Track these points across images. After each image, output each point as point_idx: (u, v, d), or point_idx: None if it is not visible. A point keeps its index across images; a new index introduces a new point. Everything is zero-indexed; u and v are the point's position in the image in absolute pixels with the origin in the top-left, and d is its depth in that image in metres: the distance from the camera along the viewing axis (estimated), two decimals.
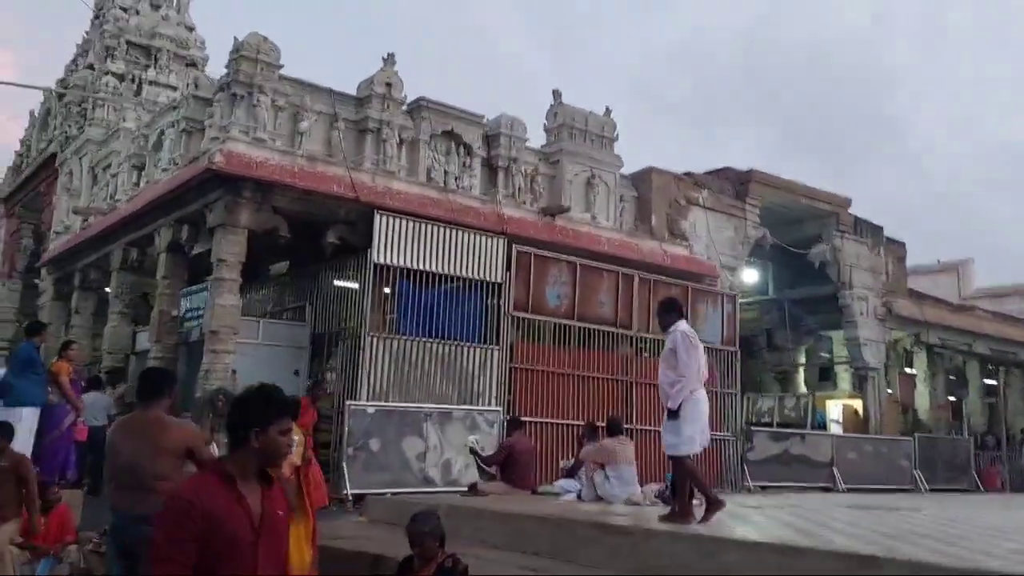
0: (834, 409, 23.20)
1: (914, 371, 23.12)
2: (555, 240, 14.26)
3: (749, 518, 8.36)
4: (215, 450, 6.40)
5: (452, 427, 11.24)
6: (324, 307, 12.87)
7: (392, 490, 10.00)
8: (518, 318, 12.38)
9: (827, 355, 24.83)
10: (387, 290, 11.74)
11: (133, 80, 19.35)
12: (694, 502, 9.10)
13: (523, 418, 11.51)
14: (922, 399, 22.96)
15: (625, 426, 10.82)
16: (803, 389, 24.18)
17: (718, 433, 14.03)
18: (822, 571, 5.27)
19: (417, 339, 11.57)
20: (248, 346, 12.32)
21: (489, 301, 12.21)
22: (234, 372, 11.68)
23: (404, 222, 11.80)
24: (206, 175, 11.86)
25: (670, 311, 7.44)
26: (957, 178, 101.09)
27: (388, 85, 13.39)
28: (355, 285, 12.08)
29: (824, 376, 24.97)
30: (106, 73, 19.17)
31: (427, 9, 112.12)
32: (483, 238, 12.48)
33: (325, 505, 8.45)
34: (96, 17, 21.71)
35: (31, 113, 23.99)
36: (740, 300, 16.05)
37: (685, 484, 7.08)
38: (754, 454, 14.87)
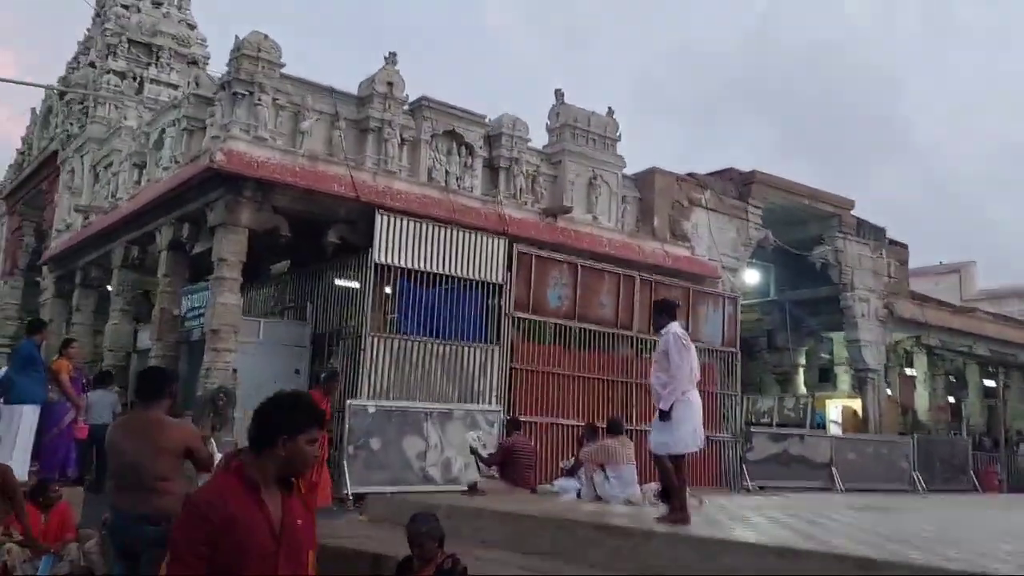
0: (833, 410, 23.24)
1: (914, 372, 23.13)
2: (557, 241, 14.26)
3: (748, 519, 8.36)
4: (214, 449, 6.40)
5: (452, 426, 11.26)
6: (325, 306, 12.88)
7: (392, 489, 10.01)
8: (519, 318, 12.38)
9: (827, 356, 24.86)
10: (388, 290, 11.75)
11: (135, 78, 19.35)
12: (694, 502, 9.12)
13: (523, 418, 11.53)
14: (922, 400, 22.98)
15: (625, 427, 10.83)
16: (803, 390, 24.19)
17: (718, 433, 14.07)
18: (823, 572, 5.29)
19: (418, 339, 11.57)
20: (249, 345, 12.32)
21: (490, 301, 12.21)
22: (235, 371, 11.70)
23: (405, 222, 11.80)
24: (207, 174, 11.87)
25: (662, 312, 7.46)
26: (960, 179, 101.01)
27: (390, 84, 13.40)
28: (356, 285, 12.08)
29: (824, 377, 25.00)
30: (107, 71, 19.18)
31: (429, 9, 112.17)
32: (484, 238, 12.48)
33: (327, 505, 8.49)
34: (98, 15, 21.73)
35: (33, 111, 24.02)
36: (741, 301, 16.05)
37: (672, 480, 7.08)
38: (753, 454, 14.89)
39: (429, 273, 11.85)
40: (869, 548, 5.86)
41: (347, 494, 9.94)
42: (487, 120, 14.72)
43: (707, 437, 13.47)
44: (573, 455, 11.13)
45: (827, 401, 23.69)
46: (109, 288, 16.49)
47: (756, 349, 23.53)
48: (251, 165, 11.77)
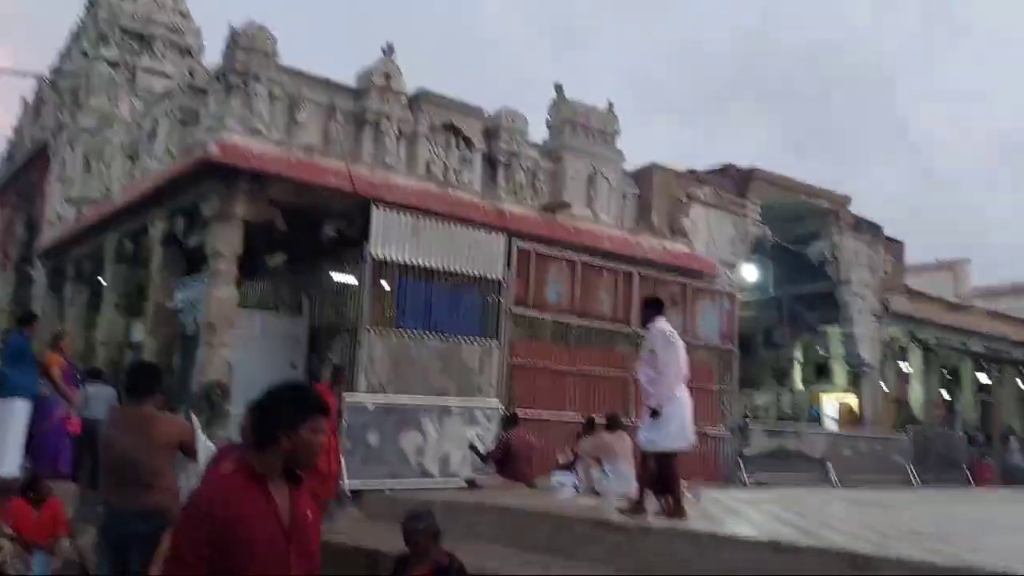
0: (829, 405, 23.28)
1: (909, 368, 23.17)
2: (556, 237, 14.20)
3: (745, 514, 8.37)
4: (208, 443, 6.34)
5: (451, 422, 11.19)
6: (322, 301, 12.80)
7: (390, 484, 9.95)
8: (518, 314, 12.32)
9: (823, 351, 24.89)
10: (385, 285, 11.67)
11: (127, 68, 19.14)
12: (691, 497, 9.10)
13: (522, 414, 11.48)
14: (916, 395, 23.05)
15: (624, 422, 10.80)
16: (799, 385, 24.23)
17: (715, 429, 14.05)
18: (818, 569, 5.29)
19: (416, 334, 11.50)
20: (245, 339, 12.23)
21: (489, 297, 12.14)
22: (230, 365, 11.62)
23: (402, 216, 11.70)
24: (201, 166, 11.76)
25: (650, 308, 7.45)
26: (957, 177, 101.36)
27: (387, 76, 13.30)
28: (353, 279, 12.00)
29: (820, 372, 25.04)
30: (99, 60, 18.97)
31: (427, 1, 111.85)
32: (483, 234, 12.39)
33: (334, 499, 8.46)
34: (90, 3, 21.51)
35: (23, 101, 23.81)
36: (740, 298, 16.02)
37: (645, 479, 7.06)
38: (750, 449, 14.87)
39: (427, 268, 11.75)
40: (864, 543, 5.86)
41: (344, 489, 9.88)
42: (486, 114, 14.63)
43: (705, 432, 13.71)
44: (571, 450, 11.10)
45: (823, 396, 23.73)
46: (102, 281, 16.36)
47: (753, 344, 23.53)
48: (246, 157, 11.67)
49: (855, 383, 21.37)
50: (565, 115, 15.46)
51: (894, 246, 21.79)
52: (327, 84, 13.18)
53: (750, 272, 19.99)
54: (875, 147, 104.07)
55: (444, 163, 13.97)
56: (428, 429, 10.88)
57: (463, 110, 14.26)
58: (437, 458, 10.90)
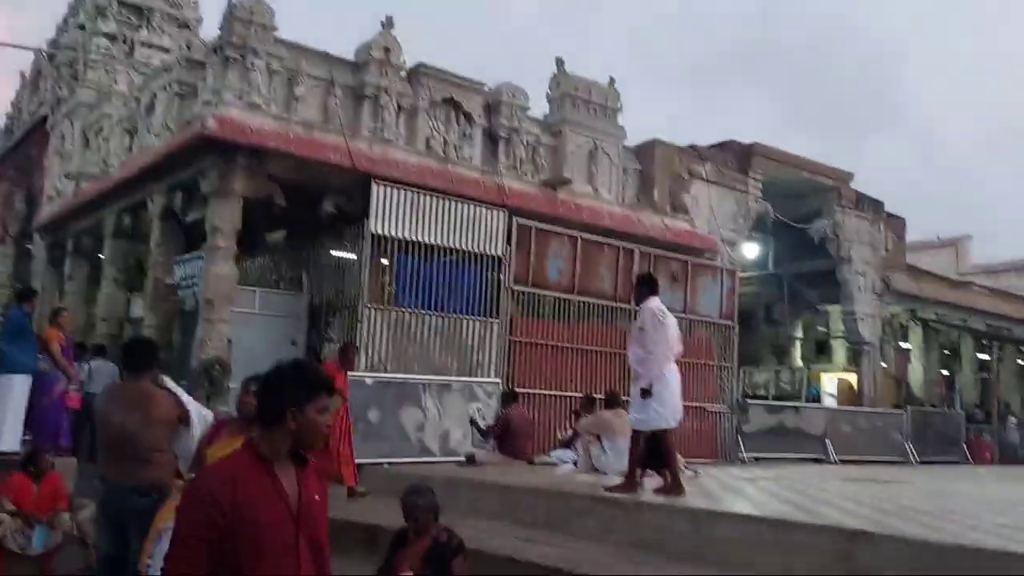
0: (829, 382, 23.34)
1: (909, 346, 23.19)
2: (556, 213, 14.15)
3: (743, 490, 8.40)
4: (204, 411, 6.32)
5: (451, 398, 11.20)
6: (321, 277, 12.79)
7: (390, 460, 9.98)
8: (518, 291, 12.30)
9: (824, 329, 24.91)
10: (385, 261, 11.64)
11: (125, 41, 19.02)
12: (689, 473, 9.13)
13: (522, 390, 11.50)
14: (916, 373, 23.08)
15: (623, 399, 10.80)
16: (799, 363, 24.27)
17: (714, 406, 14.08)
18: (815, 545, 5.30)
19: (416, 311, 11.48)
20: (244, 315, 12.23)
21: (489, 274, 12.11)
22: (230, 341, 11.63)
23: (402, 192, 11.65)
24: (199, 141, 11.69)
25: (643, 286, 7.43)
26: (958, 153, 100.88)
27: (386, 50, 13.19)
28: (352, 256, 11.96)
29: (820, 350, 25.09)
30: (97, 34, 18.82)
31: None
32: (483, 210, 12.34)
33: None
34: None
35: (21, 75, 23.66)
36: (740, 274, 15.99)
37: (637, 456, 7.09)
38: (749, 426, 14.91)
39: (427, 245, 11.71)
40: (862, 520, 5.88)
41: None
42: (486, 88, 14.52)
43: (704, 409, 13.74)
44: (570, 426, 11.13)
45: (823, 374, 23.78)
46: (101, 256, 16.34)
47: (754, 322, 23.54)
48: (244, 132, 11.59)
49: (855, 361, 21.40)
50: (566, 89, 15.34)
51: (895, 223, 21.72)
52: (326, 58, 13.07)
53: (751, 249, 19.96)
54: (878, 123, 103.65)
55: (444, 138, 13.89)
56: (428, 406, 10.90)
57: (463, 84, 14.16)
58: (437, 435, 10.93)
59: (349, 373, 9.85)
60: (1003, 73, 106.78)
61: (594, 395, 10.80)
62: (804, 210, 19.89)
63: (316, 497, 2.49)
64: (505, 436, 10.42)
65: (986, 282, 27.93)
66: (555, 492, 7.53)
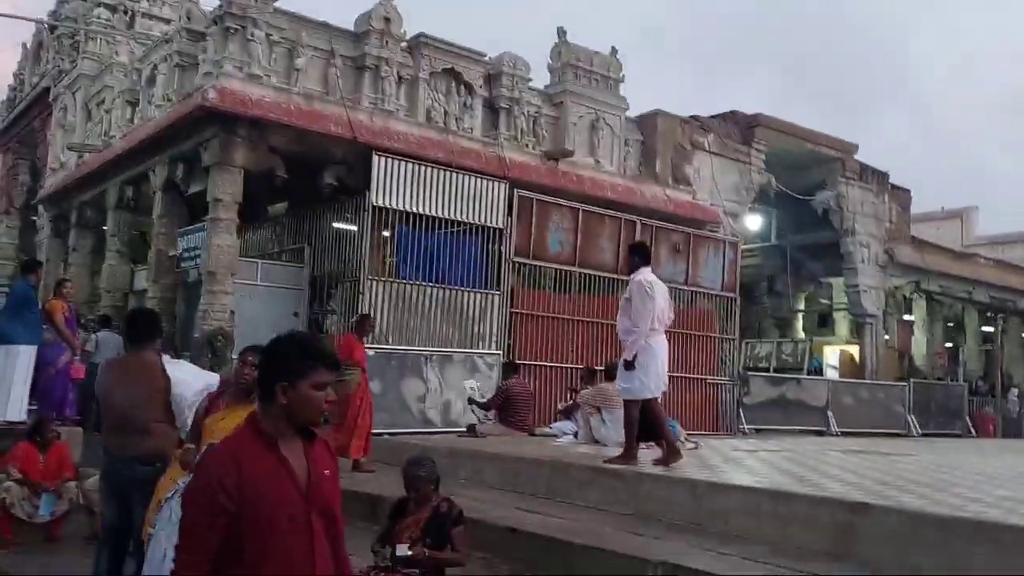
0: (831, 355, 23.37)
1: (912, 318, 23.18)
2: (558, 185, 14.11)
3: (743, 462, 8.44)
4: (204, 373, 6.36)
5: (452, 370, 11.27)
6: (323, 249, 12.78)
7: (391, 431, 10.05)
8: (519, 263, 12.31)
9: (826, 302, 24.90)
10: (386, 233, 11.64)
11: (126, 12, 18.86)
12: (690, 445, 9.19)
13: (523, 362, 11.55)
14: (919, 346, 23.09)
15: None
16: (801, 335, 24.28)
17: (715, 377, 14.13)
18: (814, 516, 5.33)
19: (417, 283, 11.51)
20: (247, 287, 12.28)
21: (490, 246, 12.11)
22: (232, 313, 11.67)
23: (403, 164, 11.62)
24: (200, 112, 11.65)
25: (635, 255, 7.42)
26: (964, 126, 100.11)
27: (387, 20, 13.08)
28: (354, 227, 11.97)
29: (823, 322, 25.10)
30: (98, 4, 18.68)
31: None
32: (484, 182, 12.32)
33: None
34: None
35: (24, 46, 23.54)
36: (742, 246, 15.97)
37: (632, 427, 7.14)
38: (750, 398, 14.97)
39: (428, 217, 11.71)
40: (862, 492, 5.90)
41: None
42: (487, 58, 14.41)
43: (705, 381, 13.79)
44: (571, 393, 11.18)
45: (825, 347, 23.79)
46: (105, 228, 16.36)
47: (756, 294, 23.54)
48: (245, 103, 11.55)
49: (857, 333, 21.40)
50: (567, 59, 15.21)
51: (900, 194, 21.60)
52: (326, 28, 12.97)
53: (753, 221, 19.89)
54: (883, 95, 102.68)
55: (444, 109, 13.81)
56: (429, 377, 10.97)
57: (464, 54, 14.05)
58: (438, 406, 11.00)
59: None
60: (1010, 45, 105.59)
61: (595, 367, 10.85)
62: (807, 182, 19.79)
63: (327, 472, 2.38)
64: (505, 407, 10.49)
65: (991, 254, 27.83)
66: (556, 463, 7.58)
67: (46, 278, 14.75)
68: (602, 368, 10.37)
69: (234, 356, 10.43)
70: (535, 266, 12.52)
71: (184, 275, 13.13)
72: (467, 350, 11.64)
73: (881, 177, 20.84)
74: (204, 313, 11.52)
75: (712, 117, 18.18)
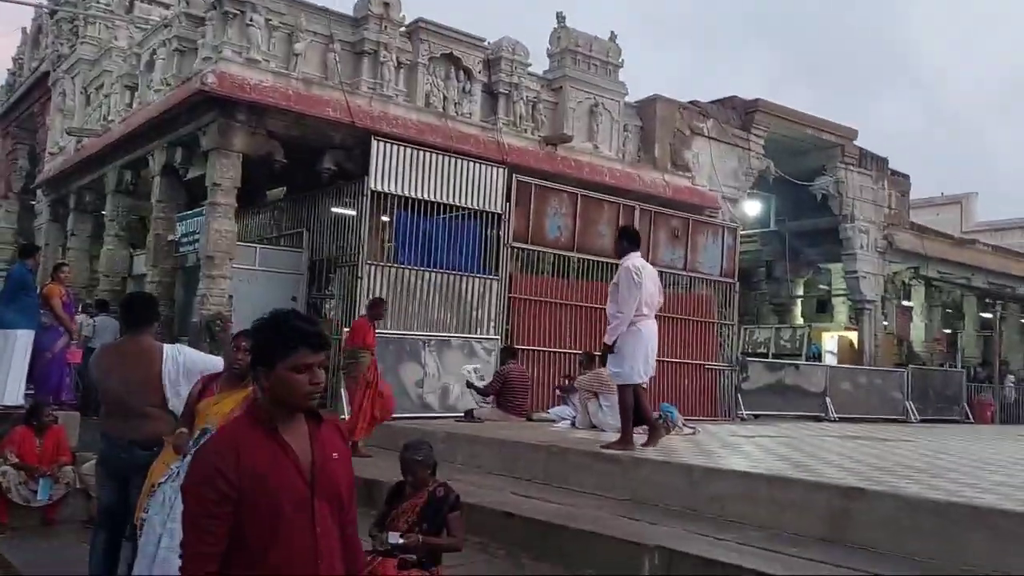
0: (829, 341, 23.39)
1: (911, 304, 23.18)
2: (556, 170, 14.09)
3: (740, 447, 8.45)
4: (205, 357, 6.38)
5: (450, 355, 11.29)
6: (322, 234, 12.79)
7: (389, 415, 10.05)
8: (517, 248, 12.31)
9: (825, 287, 24.90)
10: (385, 218, 11.64)
11: None
12: (688, 431, 9.21)
13: (522, 347, 11.56)
14: (918, 332, 23.09)
15: None
16: (800, 321, 24.29)
17: (713, 363, 14.14)
18: (810, 501, 5.35)
19: (415, 268, 11.52)
20: (245, 272, 12.30)
21: (489, 231, 12.11)
22: (231, 297, 11.68)
23: (402, 149, 11.61)
24: (198, 97, 11.62)
25: (624, 240, 7.41)
26: (966, 111, 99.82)
27: (386, 5, 13.01)
28: (352, 212, 11.96)
29: (821, 308, 25.11)
30: None
31: None
32: (483, 167, 12.31)
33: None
34: None
35: (23, 30, 23.45)
36: (741, 232, 15.95)
37: (627, 412, 7.16)
38: (748, 384, 14.99)
39: (427, 202, 11.71)
40: (858, 477, 5.91)
41: (344, 420, 10.01)
42: (486, 44, 14.35)
43: (703, 366, 13.80)
44: (567, 379, 11.20)
45: (823, 333, 23.81)
46: (104, 213, 16.35)
47: (754, 280, 23.55)
48: (243, 88, 11.52)
49: (856, 319, 21.41)
50: (566, 44, 15.14)
51: (899, 180, 21.57)
52: (325, 13, 12.90)
53: (752, 206, 19.87)
54: (883, 79, 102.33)
55: (443, 94, 13.76)
56: (428, 362, 10.99)
57: (463, 40, 13.99)
58: (437, 390, 11.03)
59: (345, 329, 9.91)
60: (1013, 28, 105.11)
61: (593, 352, 10.85)
62: (807, 167, 19.75)
63: (334, 455, 2.28)
64: (503, 392, 10.51)
65: (991, 240, 27.81)
66: (553, 448, 7.59)
67: (45, 262, 14.79)
68: (600, 353, 10.37)
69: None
70: (533, 251, 12.52)
71: (183, 260, 13.15)
72: (465, 335, 11.66)
73: (880, 163, 20.80)
74: (203, 298, 11.53)
75: (711, 102, 18.13)
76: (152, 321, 4.81)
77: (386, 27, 12.98)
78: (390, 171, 11.38)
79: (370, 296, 10.87)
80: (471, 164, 12.20)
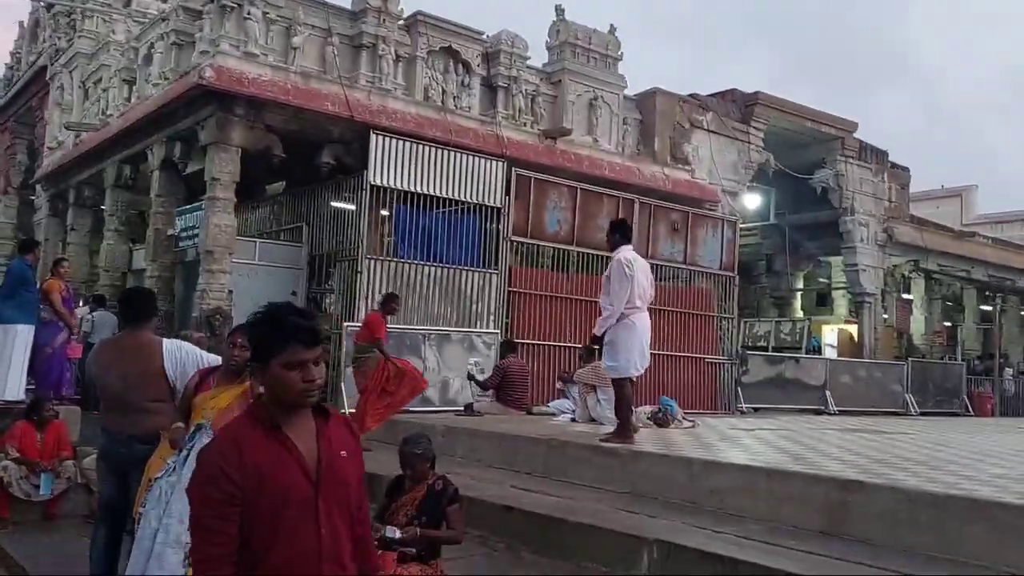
0: (830, 334, 23.39)
1: (911, 297, 23.19)
2: (556, 164, 14.07)
3: (740, 440, 8.45)
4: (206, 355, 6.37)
5: (450, 349, 11.30)
6: (321, 228, 12.77)
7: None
8: (517, 242, 12.30)
9: (825, 281, 24.90)
10: (384, 212, 11.63)
11: None
12: (688, 424, 9.21)
13: (522, 341, 11.56)
14: (918, 325, 23.11)
15: None
16: (800, 314, 24.29)
17: (713, 356, 14.15)
18: (808, 494, 5.35)
19: (415, 262, 11.51)
20: (245, 266, 12.28)
21: (488, 225, 12.11)
22: (230, 292, 11.68)
23: (401, 143, 11.59)
24: (197, 91, 11.61)
25: (616, 232, 7.40)
26: (966, 104, 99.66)
27: None
28: (352, 206, 11.95)
29: (821, 301, 25.10)
30: None
31: None
32: (482, 161, 12.29)
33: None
34: None
35: (21, 24, 23.40)
36: (741, 225, 15.95)
37: (625, 405, 7.17)
38: (748, 377, 15.00)
39: (426, 196, 11.70)
40: (858, 470, 5.92)
41: (344, 414, 10.02)
42: (485, 37, 14.33)
43: (703, 360, 13.81)
44: (565, 375, 11.21)
45: (823, 326, 23.82)
46: (103, 208, 16.34)
47: (754, 273, 23.54)
48: (241, 82, 11.50)
49: (856, 312, 21.42)
50: (566, 37, 15.12)
51: (899, 173, 21.55)
52: (323, 6, 12.89)
53: (752, 200, 19.87)
54: (883, 74, 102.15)
55: (442, 88, 13.75)
56: (428, 356, 10.99)
57: (462, 33, 13.97)
58: (437, 384, 11.03)
59: (345, 324, 9.90)
60: (1013, 28, 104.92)
61: (593, 346, 10.86)
62: (806, 160, 19.75)
63: (343, 453, 2.19)
64: (503, 386, 10.51)
65: (990, 233, 27.80)
66: (552, 441, 7.60)
67: (44, 257, 14.78)
68: (597, 347, 10.38)
69: None
70: (533, 245, 12.52)
71: (182, 254, 13.14)
72: (465, 329, 11.67)
73: (880, 155, 20.79)
74: (202, 292, 11.54)
75: (711, 95, 18.12)
76: (151, 316, 4.80)
77: (384, 20, 12.96)
78: (389, 165, 11.37)
79: (370, 290, 10.89)
80: (470, 158, 12.19)
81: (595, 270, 12.97)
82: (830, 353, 21.32)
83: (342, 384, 10.30)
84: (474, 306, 11.94)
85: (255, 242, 13.14)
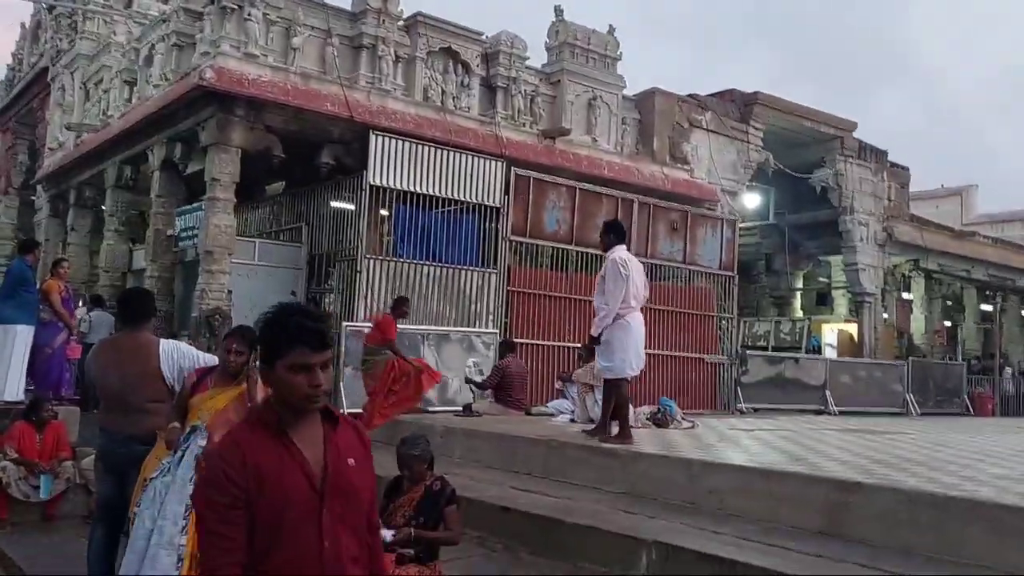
0: (829, 333, 23.38)
1: (911, 296, 23.18)
2: (555, 163, 14.08)
3: (739, 441, 8.45)
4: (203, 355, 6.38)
5: (449, 348, 11.30)
6: (321, 228, 12.79)
7: None
8: (516, 242, 12.31)
9: (825, 280, 24.90)
10: (384, 212, 11.64)
11: None
12: (687, 424, 9.21)
13: (521, 341, 11.57)
14: (918, 324, 23.10)
15: None
16: (799, 314, 24.30)
17: (713, 356, 14.15)
18: (807, 495, 5.34)
19: (414, 262, 11.52)
20: (244, 266, 12.29)
21: (487, 225, 12.11)
22: (230, 292, 11.69)
23: (400, 143, 11.60)
24: (197, 92, 11.62)
25: (610, 233, 7.38)
26: (966, 104, 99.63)
27: None
28: (351, 206, 11.96)
29: (821, 301, 25.11)
30: None
31: None
32: (481, 161, 12.30)
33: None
34: None
35: (22, 25, 23.43)
36: (740, 225, 15.95)
37: (623, 405, 7.18)
38: (748, 377, 14.99)
39: (425, 196, 11.71)
40: (857, 471, 5.91)
41: (344, 414, 10.02)
42: (484, 38, 14.34)
43: (703, 359, 13.81)
44: (564, 376, 11.21)
45: (823, 325, 23.82)
46: (104, 208, 16.36)
47: (754, 272, 23.55)
48: (242, 83, 11.51)
49: (856, 312, 21.42)
50: (565, 38, 15.12)
51: (899, 172, 21.55)
52: (323, 7, 12.90)
53: (751, 199, 19.88)
54: (883, 74, 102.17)
55: (442, 88, 13.76)
56: (427, 355, 10.98)
57: (461, 34, 13.98)
58: (435, 384, 11.01)
59: (345, 323, 9.88)
60: (1013, 28, 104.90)
61: (593, 346, 10.86)
62: (806, 160, 19.75)
63: (350, 461, 2.11)
64: (502, 387, 10.51)
65: (991, 232, 27.79)
66: (551, 442, 7.59)
67: (44, 258, 14.80)
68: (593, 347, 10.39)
69: None
70: (532, 244, 12.53)
71: (182, 254, 13.15)
72: (464, 329, 11.67)
73: (880, 155, 20.78)
74: (202, 292, 11.54)
75: (710, 95, 18.12)
76: (149, 316, 4.81)
77: (384, 21, 12.97)
78: (389, 165, 11.38)
79: (369, 289, 10.90)
80: (470, 158, 12.19)
81: (594, 270, 12.94)
82: (830, 353, 21.30)
83: (341, 384, 10.31)
84: (473, 306, 11.94)
85: (255, 242, 13.15)
